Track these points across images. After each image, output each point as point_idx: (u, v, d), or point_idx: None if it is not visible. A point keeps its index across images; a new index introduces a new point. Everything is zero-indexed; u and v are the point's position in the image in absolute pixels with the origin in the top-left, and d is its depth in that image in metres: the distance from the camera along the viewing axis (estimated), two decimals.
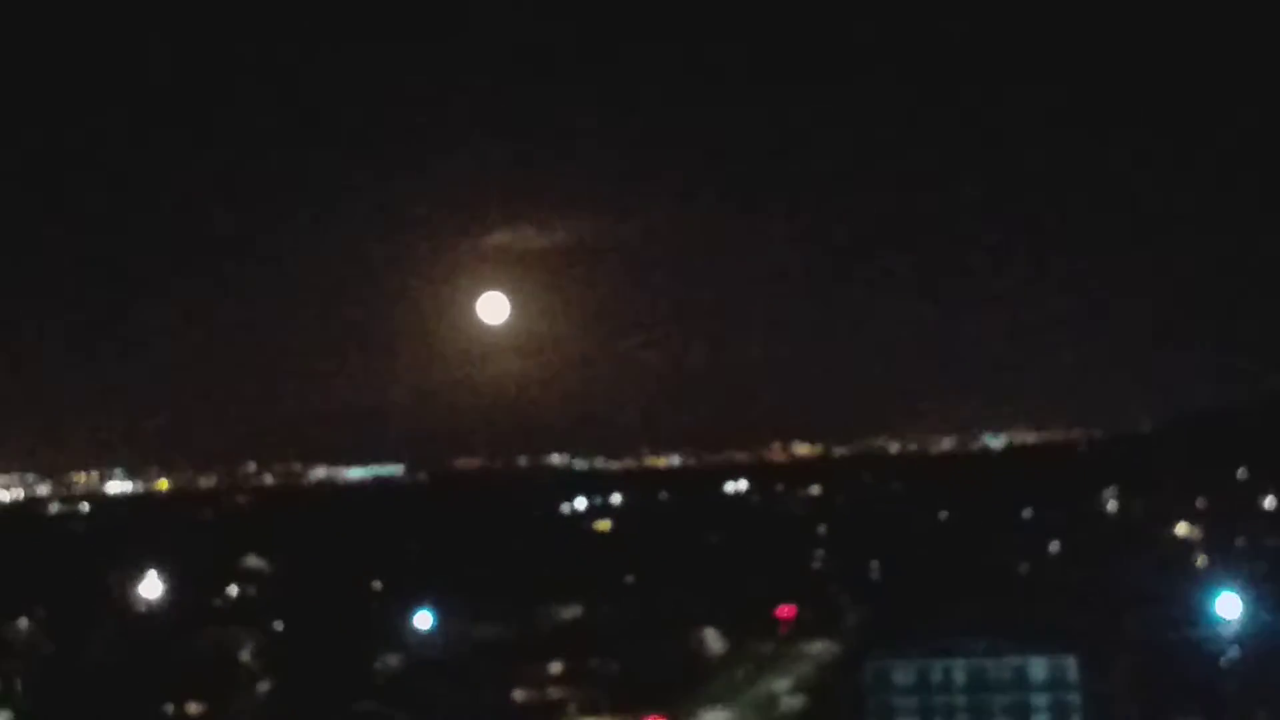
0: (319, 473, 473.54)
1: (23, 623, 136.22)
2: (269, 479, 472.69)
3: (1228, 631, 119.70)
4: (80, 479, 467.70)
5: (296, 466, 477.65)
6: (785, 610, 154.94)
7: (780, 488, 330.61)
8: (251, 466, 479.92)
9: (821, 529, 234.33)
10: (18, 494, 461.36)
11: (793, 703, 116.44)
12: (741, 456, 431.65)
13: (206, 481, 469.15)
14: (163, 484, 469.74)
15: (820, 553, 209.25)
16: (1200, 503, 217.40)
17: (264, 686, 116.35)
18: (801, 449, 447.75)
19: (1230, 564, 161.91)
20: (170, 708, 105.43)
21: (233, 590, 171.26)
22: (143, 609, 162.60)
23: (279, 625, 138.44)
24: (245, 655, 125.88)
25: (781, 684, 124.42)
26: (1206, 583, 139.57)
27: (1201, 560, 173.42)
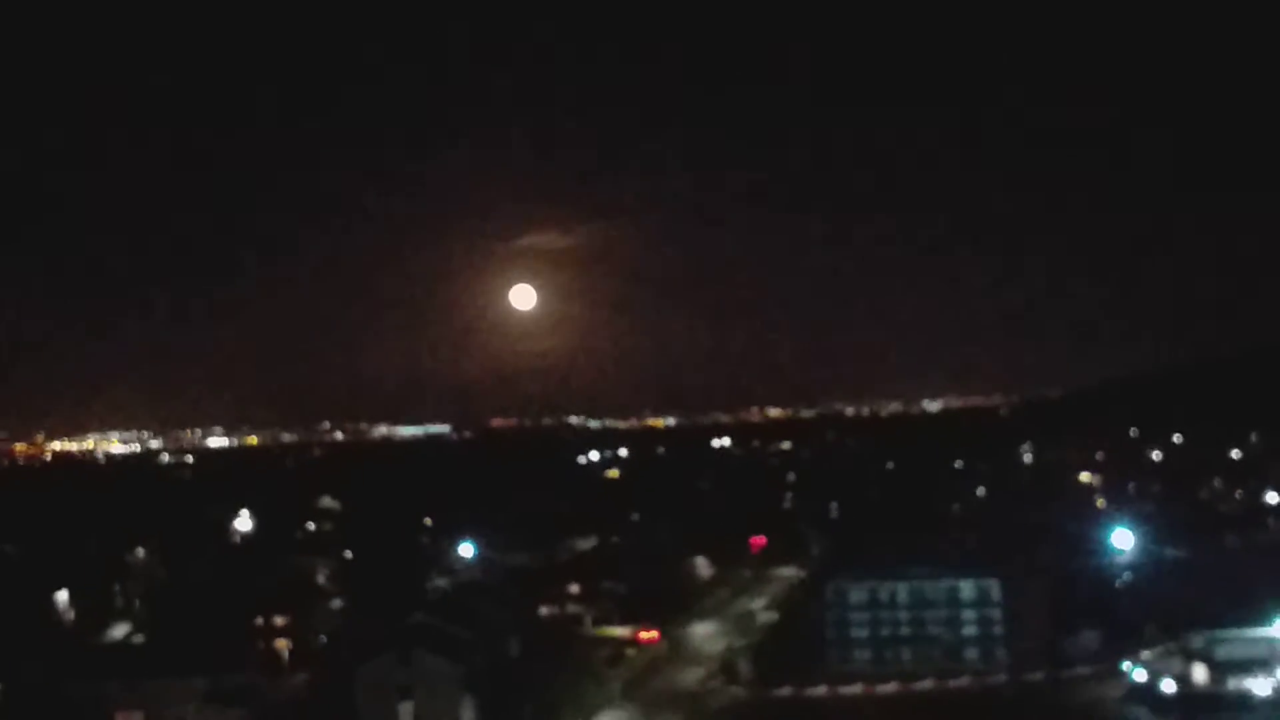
0: (380, 430, 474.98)
1: (140, 552, 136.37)
2: (339, 435, 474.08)
3: (1122, 560, 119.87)
4: (186, 435, 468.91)
5: (362, 425, 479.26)
6: (757, 540, 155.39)
7: (757, 443, 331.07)
8: (325, 425, 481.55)
9: (791, 476, 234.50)
10: (135, 447, 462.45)
11: (766, 617, 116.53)
12: (725, 418, 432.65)
13: (288, 437, 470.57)
14: (252, 439, 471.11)
15: (789, 496, 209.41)
16: (1100, 455, 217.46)
17: (336, 603, 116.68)
18: (774, 412, 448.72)
19: (1124, 505, 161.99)
20: (260, 620, 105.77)
21: (310, 526, 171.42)
22: (237, 541, 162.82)
23: (348, 554, 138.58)
24: (321, 578, 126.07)
25: (758, 602, 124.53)
26: (1105, 521, 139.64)
27: (1101, 502, 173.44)
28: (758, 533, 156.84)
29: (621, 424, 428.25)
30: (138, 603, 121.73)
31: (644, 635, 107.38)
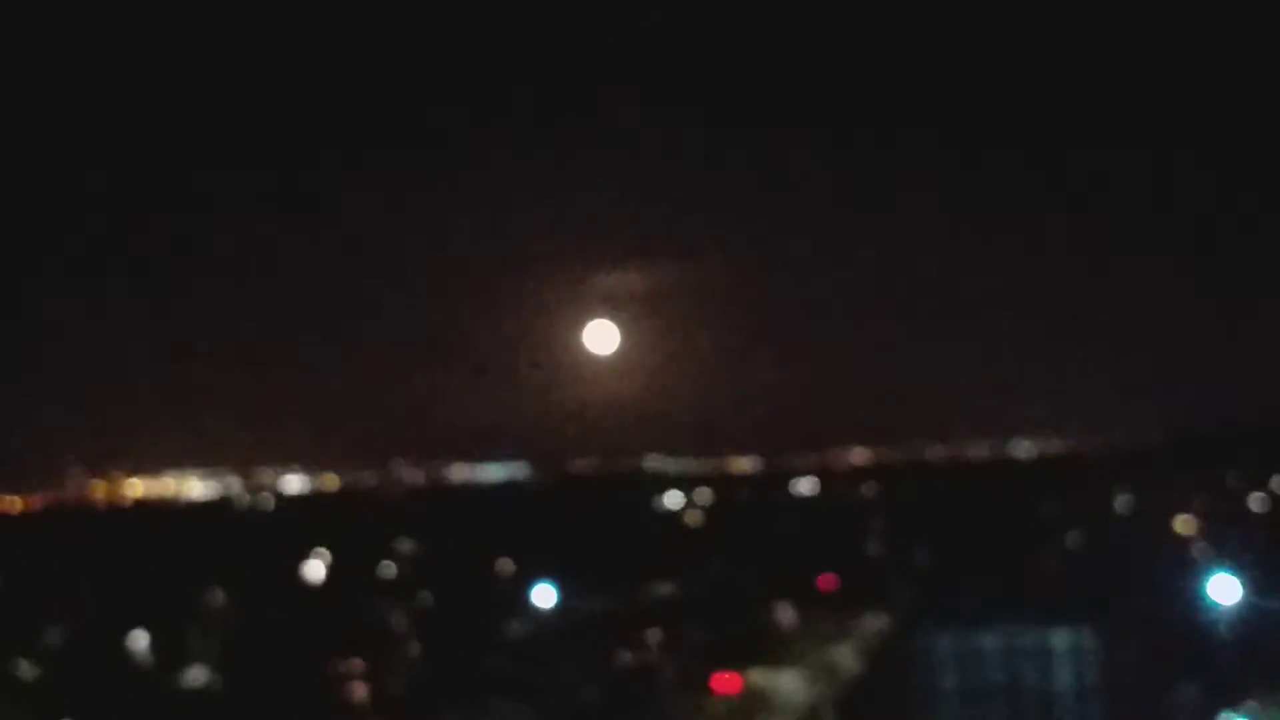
0: (459, 471, 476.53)
1: (218, 595, 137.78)
2: (417, 476, 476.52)
3: (1221, 611, 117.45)
4: (264, 475, 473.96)
5: (439, 466, 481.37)
6: (826, 580, 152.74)
7: (841, 487, 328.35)
8: (403, 466, 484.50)
9: (876, 521, 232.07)
10: (214, 488, 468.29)
11: (851, 667, 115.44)
12: (808, 460, 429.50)
13: (366, 478, 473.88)
14: (331, 480, 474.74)
15: (874, 541, 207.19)
16: (1197, 502, 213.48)
17: (413, 648, 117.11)
18: (859, 455, 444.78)
19: (1223, 555, 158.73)
20: (336, 665, 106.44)
21: (388, 568, 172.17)
22: (314, 584, 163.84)
23: (426, 598, 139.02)
24: (398, 622, 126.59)
25: (842, 651, 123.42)
26: (1203, 569, 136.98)
27: (1198, 550, 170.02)
28: (831, 574, 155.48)
29: (701, 466, 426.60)
30: (214, 646, 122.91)
31: (724, 684, 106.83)
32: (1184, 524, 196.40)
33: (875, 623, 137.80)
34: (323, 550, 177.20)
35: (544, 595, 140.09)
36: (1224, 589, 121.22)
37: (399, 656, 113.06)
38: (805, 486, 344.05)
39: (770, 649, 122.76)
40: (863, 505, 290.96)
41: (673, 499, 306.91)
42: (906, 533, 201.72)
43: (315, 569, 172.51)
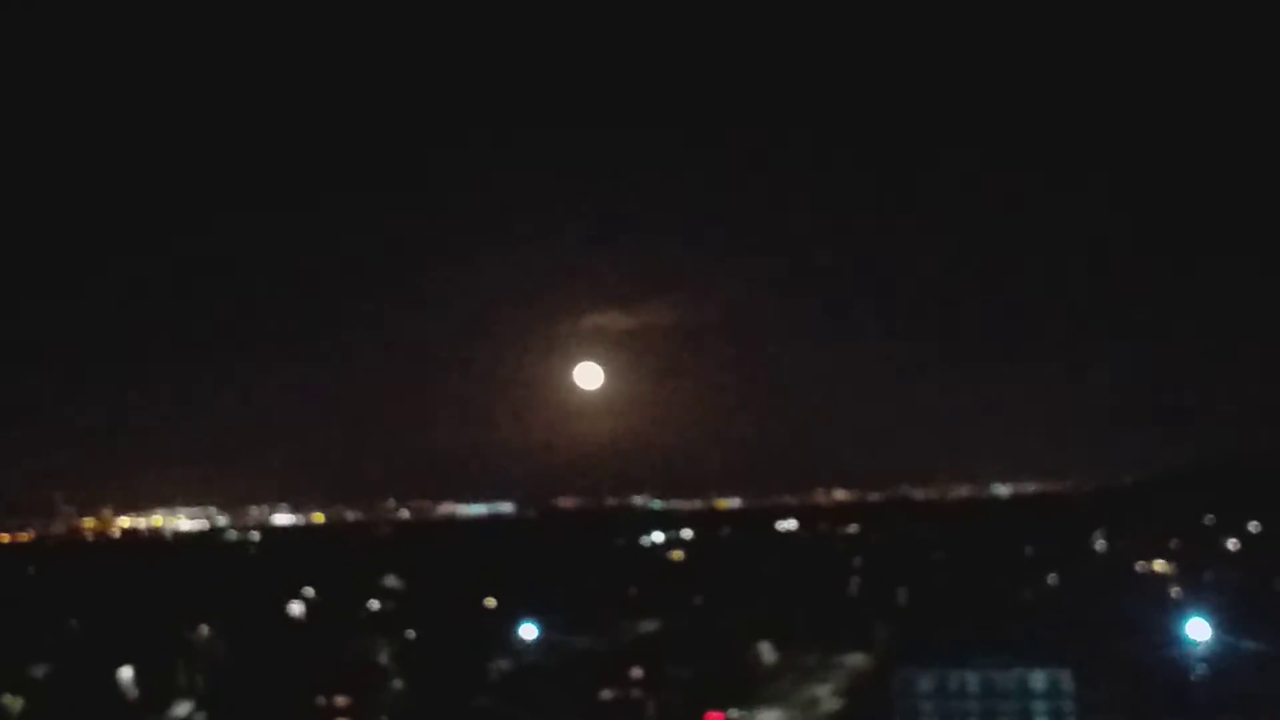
0: (445, 508, 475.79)
1: (204, 630, 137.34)
2: (404, 513, 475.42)
3: (1197, 651, 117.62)
4: (252, 512, 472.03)
5: (426, 503, 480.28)
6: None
7: (823, 526, 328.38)
8: (390, 503, 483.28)
9: (857, 561, 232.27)
10: (202, 523, 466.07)
11: (832, 705, 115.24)
12: (791, 500, 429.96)
13: (353, 515, 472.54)
14: (318, 516, 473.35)
15: (856, 581, 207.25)
16: (1174, 544, 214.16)
17: (398, 684, 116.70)
18: (841, 494, 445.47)
19: (1199, 595, 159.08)
20: (322, 700, 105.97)
21: (374, 604, 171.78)
22: (300, 619, 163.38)
23: (411, 634, 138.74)
24: (383, 658, 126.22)
25: (823, 689, 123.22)
26: (1180, 611, 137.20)
27: (1175, 591, 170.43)
28: (823, 620, 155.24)
29: (686, 505, 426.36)
30: (201, 681, 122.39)
31: None
32: (1161, 565, 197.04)
33: (856, 661, 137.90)
34: (309, 586, 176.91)
35: (528, 632, 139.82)
36: (1199, 629, 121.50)
37: (384, 692, 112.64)
38: (787, 526, 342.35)
39: (752, 687, 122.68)
40: (844, 545, 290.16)
41: (657, 537, 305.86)
42: (887, 572, 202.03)
43: (301, 605, 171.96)
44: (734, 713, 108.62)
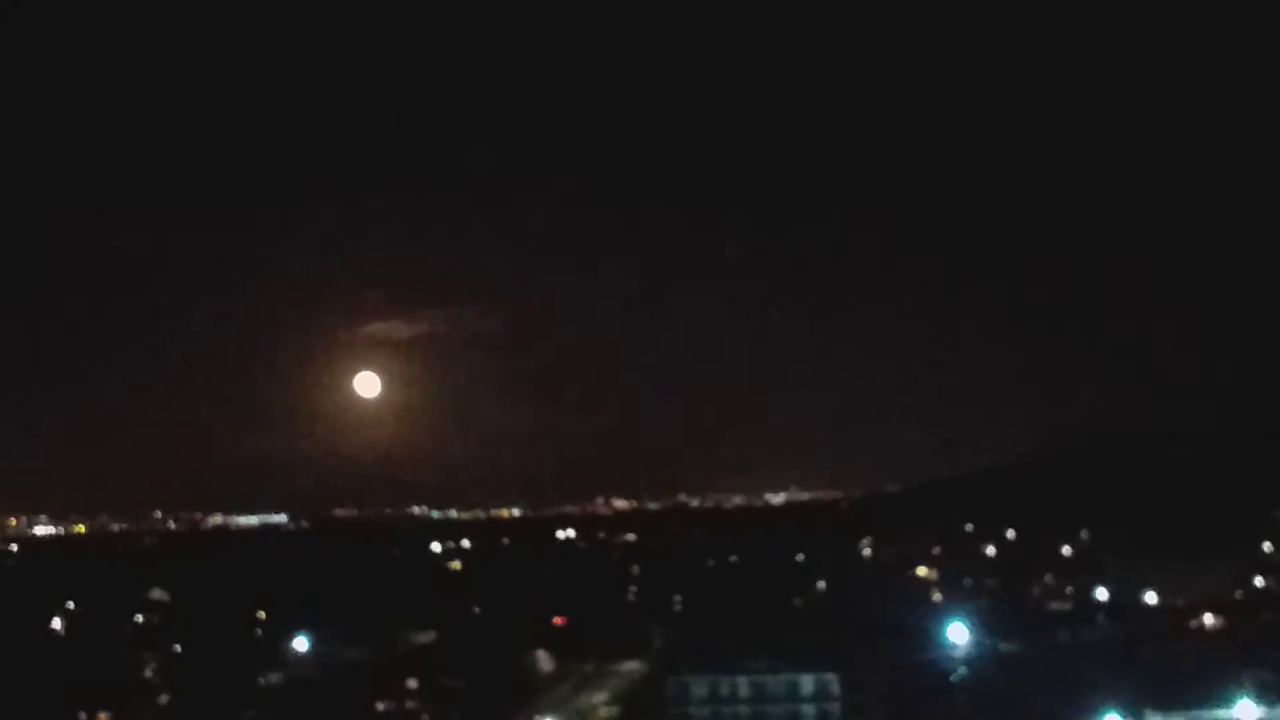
0: (215, 519, 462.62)
1: None
2: (172, 524, 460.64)
3: (957, 654, 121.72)
4: (11, 523, 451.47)
5: (196, 514, 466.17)
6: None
7: (602, 535, 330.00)
8: (157, 514, 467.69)
9: (635, 569, 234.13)
10: None
11: (608, 712, 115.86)
12: (570, 509, 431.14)
13: (118, 526, 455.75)
14: (81, 528, 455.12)
15: (634, 588, 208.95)
16: (936, 550, 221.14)
17: (164, 699, 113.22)
18: (620, 503, 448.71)
19: (960, 600, 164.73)
20: (83, 716, 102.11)
21: (139, 618, 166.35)
22: (62, 633, 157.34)
23: (178, 648, 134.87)
24: (149, 672, 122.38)
25: (599, 697, 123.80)
26: (941, 615, 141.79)
27: (937, 596, 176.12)
28: (601, 627, 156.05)
29: (465, 514, 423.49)
30: None
31: None
32: (924, 571, 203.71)
33: (632, 668, 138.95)
34: (70, 600, 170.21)
35: (300, 644, 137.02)
36: (960, 633, 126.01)
37: (149, 707, 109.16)
38: (567, 534, 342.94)
39: (529, 696, 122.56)
40: (622, 553, 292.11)
41: (435, 547, 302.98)
42: (664, 579, 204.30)
43: (64, 617, 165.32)
44: None
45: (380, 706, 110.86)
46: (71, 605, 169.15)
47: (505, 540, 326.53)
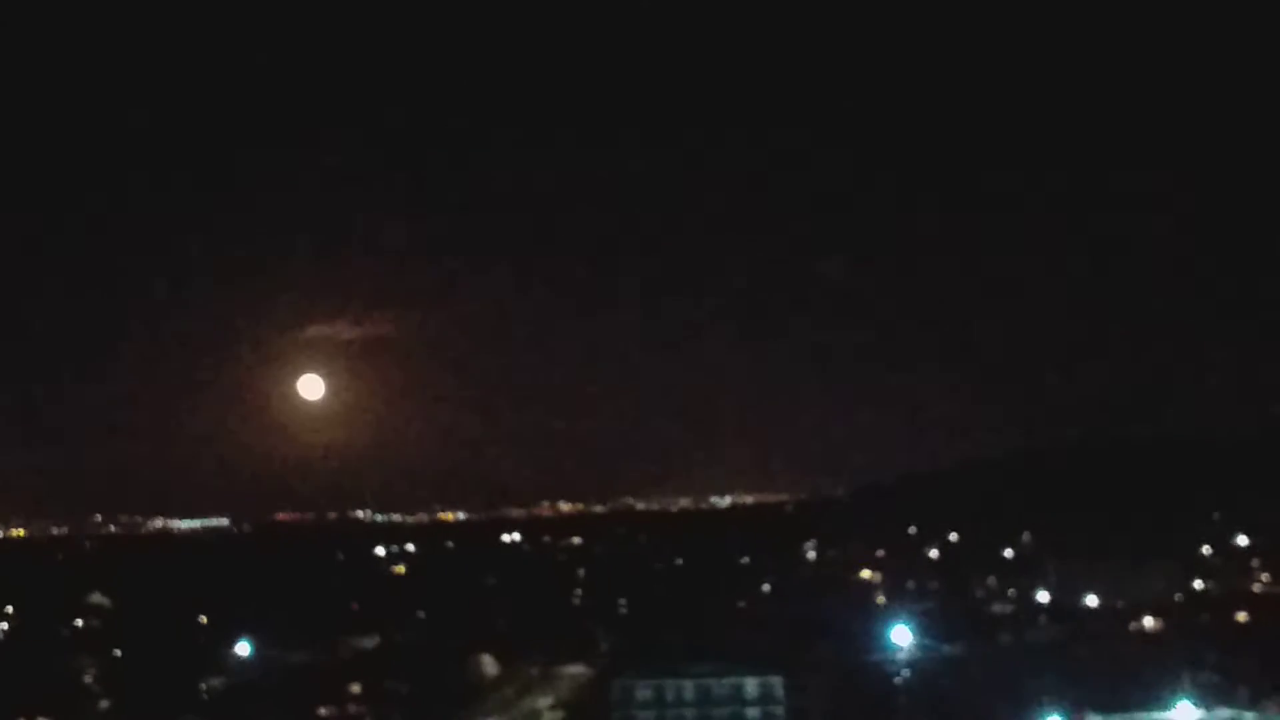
0: (156, 523, 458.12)
1: None
2: (112, 528, 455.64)
3: (900, 657, 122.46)
4: None
5: (136, 517, 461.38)
6: None
7: (547, 538, 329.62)
8: (98, 517, 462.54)
9: (581, 572, 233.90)
10: None
11: (553, 716, 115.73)
12: (516, 512, 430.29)
13: (57, 530, 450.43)
14: (20, 531, 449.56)
15: (579, 592, 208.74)
16: (880, 553, 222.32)
17: (104, 705, 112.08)
18: (566, 507, 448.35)
19: (903, 603, 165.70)
20: None
21: (79, 622, 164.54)
22: (1, 637, 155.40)
23: (118, 652, 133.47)
24: (89, 678, 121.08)
25: (544, 700, 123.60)
26: (885, 618, 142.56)
27: (881, 599, 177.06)
28: (547, 630, 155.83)
29: (409, 518, 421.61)
30: None
31: None
32: (868, 573, 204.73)
33: (577, 671, 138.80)
34: (9, 604, 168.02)
35: (242, 649, 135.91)
36: (903, 635, 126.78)
37: (88, 713, 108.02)
38: (512, 538, 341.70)
39: (473, 700, 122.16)
40: (568, 556, 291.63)
41: (379, 551, 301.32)
42: (609, 583, 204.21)
43: (1, 624, 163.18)
44: None
45: (323, 711, 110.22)
46: (10, 610, 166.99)
47: (450, 544, 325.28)
